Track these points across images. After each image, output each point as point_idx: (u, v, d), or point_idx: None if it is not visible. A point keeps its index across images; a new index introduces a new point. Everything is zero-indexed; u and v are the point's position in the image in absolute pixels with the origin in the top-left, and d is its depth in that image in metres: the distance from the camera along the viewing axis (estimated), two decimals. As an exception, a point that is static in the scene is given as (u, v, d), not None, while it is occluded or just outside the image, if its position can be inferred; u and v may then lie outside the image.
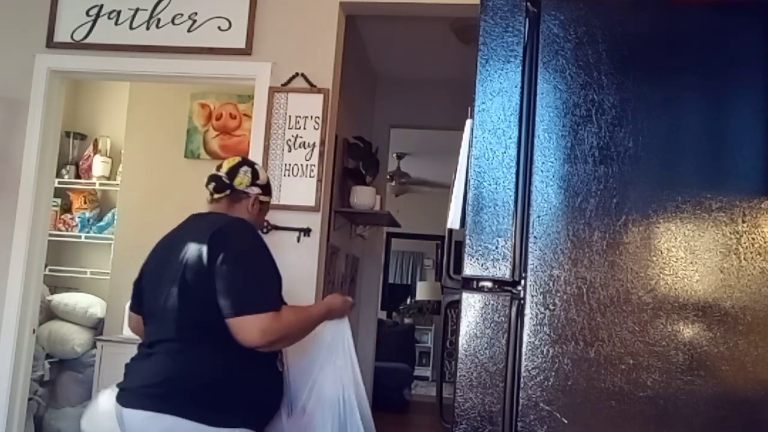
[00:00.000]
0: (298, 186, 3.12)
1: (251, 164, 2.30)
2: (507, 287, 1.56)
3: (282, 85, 3.20)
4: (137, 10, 3.31)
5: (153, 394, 1.96)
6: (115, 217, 4.45)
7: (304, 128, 3.15)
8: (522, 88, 1.60)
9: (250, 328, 1.93)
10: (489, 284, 1.56)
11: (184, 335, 2.00)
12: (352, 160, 4.32)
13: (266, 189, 2.32)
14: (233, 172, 2.24)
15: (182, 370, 1.97)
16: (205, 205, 2.24)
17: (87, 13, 3.34)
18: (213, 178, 2.24)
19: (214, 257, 1.97)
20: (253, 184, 2.25)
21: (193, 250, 2.01)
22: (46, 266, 3.63)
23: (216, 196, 2.23)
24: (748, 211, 1.52)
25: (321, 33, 3.24)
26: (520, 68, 1.60)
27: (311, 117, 3.16)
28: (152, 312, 2.10)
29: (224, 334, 1.95)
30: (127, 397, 2.01)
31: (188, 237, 2.07)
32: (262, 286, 2.03)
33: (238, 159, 2.31)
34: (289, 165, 3.14)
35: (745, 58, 1.57)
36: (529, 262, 1.54)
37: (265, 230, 3.11)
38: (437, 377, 7.94)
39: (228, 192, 2.22)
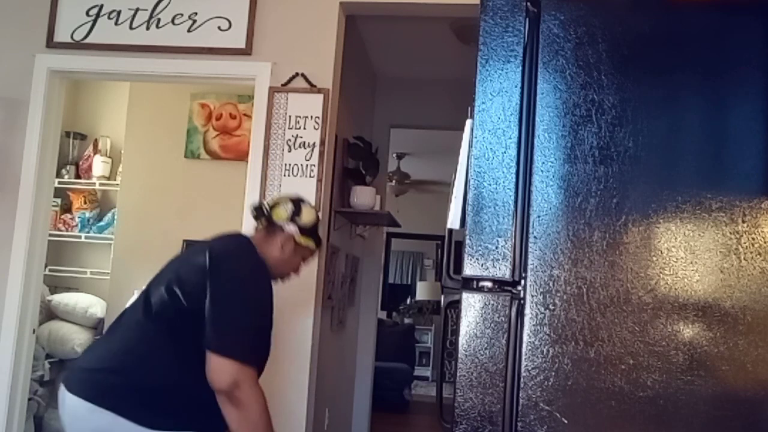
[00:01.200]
0: (298, 186, 3.11)
1: (299, 201, 2.19)
2: (507, 287, 1.56)
3: (282, 85, 3.20)
4: (137, 10, 3.31)
5: (94, 380, 1.89)
6: (115, 217, 4.45)
7: (304, 128, 3.16)
8: (522, 88, 1.60)
9: (228, 372, 1.84)
10: (489, 284, 1.56)
11: (154, 325, 1.92)
12: (352, 160, 4.32)
13: (308, 232, 2.15)
14: (277, 203, 2.16)
15: (136, 368, 1.89)
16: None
17: (87, 13, 3.34)
18: (256, 205, 2.18)
19: (213, 284, 1.90)
20: (291, 220, 2.13)
21: (200, 265, 1.94)
22: (46, 266, 3.63)
23: (257, 225, 2.17)
24: (748, 211, 1.52)
25: (321, 33, 3.24)
26: (520, 68, 1.60)
27: (311, 117, 3.16)
28: (138, 301, 2.03)
29: (191, 344, 1.88)
30: (72, 379, 1.94)
31: (206, 252, 1.98)
32: (256, 340, 1.96)
33: (294, 195, 2.22)
34: (289, 165, 3.14)
35: (745, 58, 1.57)
36: (529, 262, 1.54)
37: None
38: (437, 377, 7.92)
39: (265, 223, 2.14)
